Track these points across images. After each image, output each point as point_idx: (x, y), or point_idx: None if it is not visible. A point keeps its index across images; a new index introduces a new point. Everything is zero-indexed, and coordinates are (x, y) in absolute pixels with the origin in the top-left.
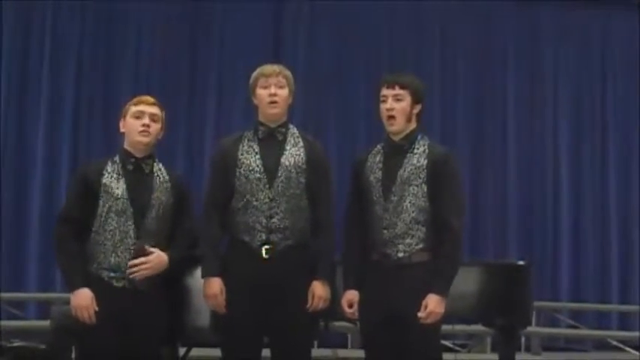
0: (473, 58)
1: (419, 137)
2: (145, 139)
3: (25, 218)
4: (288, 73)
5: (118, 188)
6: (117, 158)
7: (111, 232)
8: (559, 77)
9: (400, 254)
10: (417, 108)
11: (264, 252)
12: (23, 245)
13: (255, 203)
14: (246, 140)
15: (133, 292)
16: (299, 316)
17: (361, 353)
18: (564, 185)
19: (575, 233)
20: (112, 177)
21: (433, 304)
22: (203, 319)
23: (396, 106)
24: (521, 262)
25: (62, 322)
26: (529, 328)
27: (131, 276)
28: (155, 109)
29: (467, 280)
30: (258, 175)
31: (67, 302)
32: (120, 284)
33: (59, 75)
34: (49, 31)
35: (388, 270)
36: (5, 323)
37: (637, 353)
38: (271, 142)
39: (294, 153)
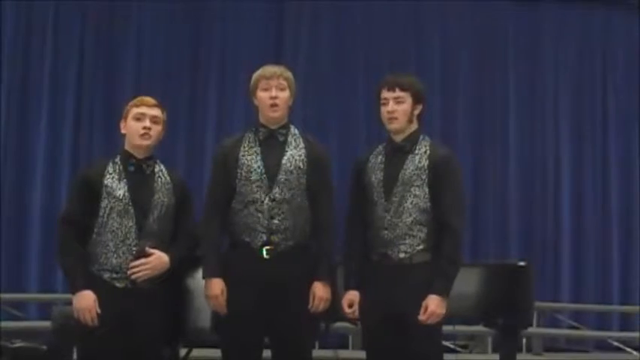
0: (473, 58)
1: (420, 138)
2: (146, 143)
3: (26, 219)
4: (289, 74)
5: (119, 189)
6: (118, 159)
7: (112, 233)
8: (560, 77)
9: (401, 255)
10: (418, 109)
11: (264, 253)
12: (24, 246)
13: (256, 204)
14: (247, 141)
15: (134, 293)
16: (300, 317)
17: (362, 354)
18: (565, 185)
19: (576, 234)
20: (113, 178)
21: (434, 305)
22: (204, 319)
23: (398, 108)
24: (522, 263)
25: (63, 323)
26: (530, 329)
27: (132, 277)
28: (156, 111)
29: (468, 281)
30: (259, 176)
31: (68, 303)
32: (121, 285)
33: (60, 75)
34: (50, 32)
35: (389, 270)
36: (6, 324)
37: (638, 354)
38: (272, 143)
39: (295, 154)
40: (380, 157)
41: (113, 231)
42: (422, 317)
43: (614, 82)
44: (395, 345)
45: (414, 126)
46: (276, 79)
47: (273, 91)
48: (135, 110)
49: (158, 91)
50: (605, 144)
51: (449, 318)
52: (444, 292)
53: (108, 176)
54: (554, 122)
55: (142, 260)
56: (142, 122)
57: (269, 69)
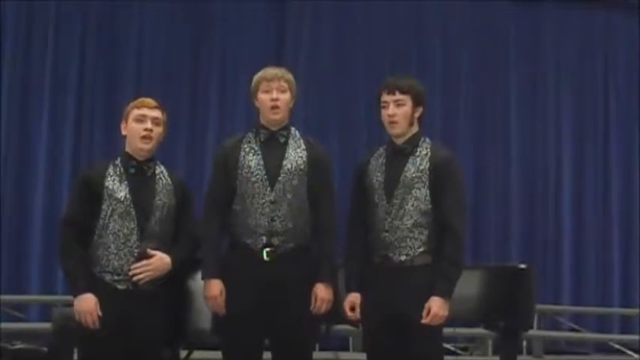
0: (475, 59)
1: (421, 140)
2: (147, 146)
3: (27, 220)
4: (289, 76)
5: (121, 191)
6: (118, 161)
7: (114, 235)
8: (561, 78)
9: (402, 257)
10: (419, 111)
11: (265, 255)
12: (25, 247)
13: (256, 206)
14: (247, 142)
15: (135, 295)
16: (300, 319)
17: (363, 356)
18: (566, 187)
19: (576, 236)
20: (114, 180)
21: (437, 307)
22: (205, 321)
23: (398, 111)
24: (522, 266)
25: (63, 325)
26: (530, 331)
27: (134, 278)
28: (157, 113)
29: (469, 283)
30: (259, 177)
31: (69, 304)
32: (123, 287)
33: (62, 75)
34: (51, 32)
35: (390, 273)
36: (6, 325)
37: (638, 356)
38: (273, 145)
39: (295, 156)
40: (381, 159)
41: (114, 233)
42: (424, 319)
43: (615, 82)
44: (395, 347)
45: (415, 128)
46: (277, 81)
47: (274, 93)
48: (136, 112)
49: (159, 91)
50: (606, 145)
51: (450, 320)
52: (446, 293)
53: (109, 178)
54: (555, 123)
55: (144, 262)
56: (143, 124)
57: (270, 71)
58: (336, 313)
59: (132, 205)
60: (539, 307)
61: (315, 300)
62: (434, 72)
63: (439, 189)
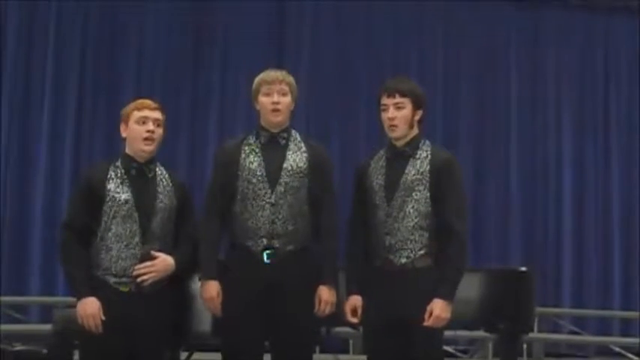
0: (475, 60)
1: (421, 143)
2: (150, 148)
3: (28, 222)
4: (290, 79)
5: (123, 194)
6: (119, 163)
7: (116, 238)
8: (561, 79)
9: (403, 260)
10: (419, 114)
11: (265, 257)
12: (26, 249)
13: (257, 208)
14: (248, 144)
15: (138, 297)
16: (300, 321)
17: (363, 359)
18: (566, 189)
19: (577, 239)
20: (116, 182)
21: (439, 309)
22: (205, 322)
23: (398, 114)
24: (523, 269)
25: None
26: (531, 334)
27: (138, 279)
28: (158, 114)
29: (469, 286)
30: (260, 179)
31: (70, 306)
32: (126, 289)
33: (62, 76)
34: (52, 32)
35: (391, 275)
36: (7, 327)
37: (638, 359)
38: (273, 147)
39: (296, 158)
40: (381, 161)
41: (117, 235)
42: (427, 321)
43: (616, 84)
44: (396, 349)
45: (415, 131)
46: (278, 84)
47: (275, 96)
48: (137, 114)
49: (160, 91)
50: (607, 147)
51: (450, 323)
52: (448, 296)
53: (110, 181)
54: (555, 125)
55: (148, 263)
56: (145, 126)
57: (271, 74)
58: (336, 315)
59: (134, 208)
60: (539, 309)
61: (319, 302)
62: (435, 74)
63: (440, 191)
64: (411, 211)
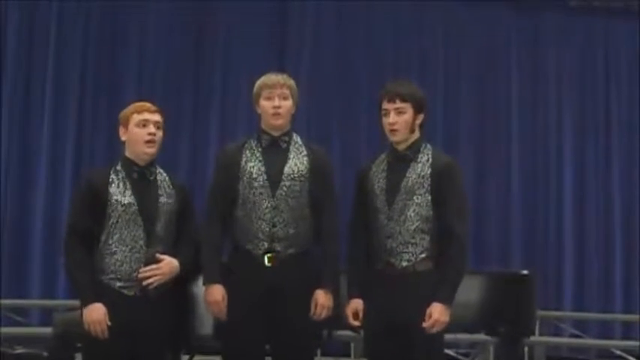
0: (476, 60)
1: (422, 146)
2: (152, 150)
3: (28, 224)
4: (292, 83)
5: (126, 197)
6: (119, 167)
7: (121, 242)
8: (562, 80)
9: (404, 263)
10: (420, 118)
11: (266, 260)
12: (26, 251)
13: (258, 212)
14: (249, 148)
15: (144, 301)
16: (301, 324)
17: None
18: (567, 190)
19: (578, 240)
20: (118, 186)
21: (438, 313)
22: (207, 326)
23: (399, 119)
24: (525, 272)
25: (65, 330)
26: (532, 338)
27: (144, 282)
28: (158, 117)
29: (470, 289)
30: (261, 183)
31: (70, 309)
32: (130, 293)
33: (63, 77)
34: (53, 32)
35: (392, 279)
36: (8, 330)
37: None
38: (274, 151)
39: (297, 162)
40: (382, 165)
41: (121, 239)
42: (426, 325)
43: (616, 86)
44: (397, 353)
45: (416, 134)
46: (279, 87)
47: (276, 100)
48: (137, 117)
49: (161, 92)
50: (608, 149)
51: (451, 326)
52: (447, 299)
53: (112, 185)
54: (556, 126)
55: (153, 266)
56: (146, 128)
57: (272, 77)
58: (337, 318)
59: (137, 211)
60: (540, 312)
61: (316, 306)
62: (435, 75)
63: (440, 195)
64: (412, 214)
